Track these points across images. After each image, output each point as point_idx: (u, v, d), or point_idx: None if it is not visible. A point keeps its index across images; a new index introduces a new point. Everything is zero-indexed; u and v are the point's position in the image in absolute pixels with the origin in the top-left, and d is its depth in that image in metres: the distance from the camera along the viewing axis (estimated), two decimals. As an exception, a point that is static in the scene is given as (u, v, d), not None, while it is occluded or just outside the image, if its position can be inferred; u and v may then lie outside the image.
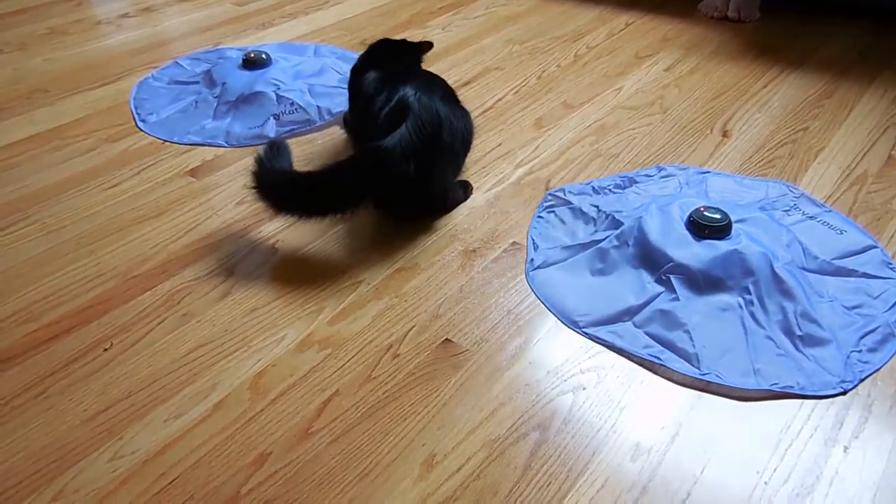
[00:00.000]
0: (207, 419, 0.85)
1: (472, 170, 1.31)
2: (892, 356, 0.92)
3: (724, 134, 1.42)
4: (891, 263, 1.06)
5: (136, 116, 1.51)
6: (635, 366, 0.92)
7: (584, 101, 1.55)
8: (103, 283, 1.06)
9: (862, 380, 0.89)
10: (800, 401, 0.87)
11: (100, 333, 0.98)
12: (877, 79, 1.61)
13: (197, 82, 1.61)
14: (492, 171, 1.31)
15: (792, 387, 0.87)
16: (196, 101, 1.54)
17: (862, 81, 1.60)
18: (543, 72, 1.68)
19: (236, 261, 1.10)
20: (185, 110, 1.52)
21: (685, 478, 0.78)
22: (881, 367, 0.91)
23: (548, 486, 0.77)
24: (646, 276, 1.02)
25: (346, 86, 1.56)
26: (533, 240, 1.13)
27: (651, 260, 1.03)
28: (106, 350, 0.95)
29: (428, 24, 1.95)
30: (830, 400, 0.87)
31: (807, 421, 0.84)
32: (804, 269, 1.04)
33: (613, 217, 1.12)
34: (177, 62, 1.73)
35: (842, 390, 0.87)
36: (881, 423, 0.84)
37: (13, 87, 1.65)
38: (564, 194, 1.21)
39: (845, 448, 0.81)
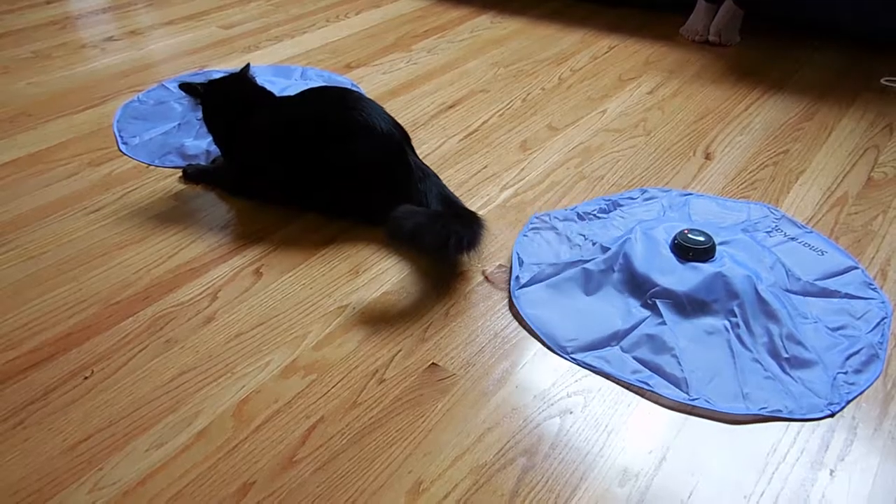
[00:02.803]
0: (190, 448, 0.84)
1: (457, 192, 1.31)
2: (878, 377, 0.92)
3: (707, 156, 1.43)
4: (872, 284, 1.07)
5: (118, 139, 1.50)
6: (622, 389, 0.92)
7: (569, 124, 1.56)
8: (84, 309, 1.05)
9: (849, 401, 0.89)
10: (785, 423, 0.87)
11: (80, 361, 0.96)
12: (855, 101, 1.64)
13: (182, 105, 1.60)
14: (477, 193, 1.31)
15: (780, 410, 0.87)
16: (180, 125, 1.53)
17: (841, 104, 1.63)
18: (528, 94, 1.69)
19: (220, 286, 1.09)
20: (168, 132, 1.51)
21: (673, 502, 0.78)
22: (866, 389, 0.91)
23: (535, 513, 0.77)
24: (632, 301, 1.02)
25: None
26: (518, 255, 1.12)
27: (636, 284, 1.03)
28: (86, 378, 0.93)
29: (413, 48, 1.97)
30: (816, 422, 0.87)
31: (793, 444, 0.84)
32: (788, 290, 1.04)
33: (601, 245, 1.12)
34: (162, 85, 1.73)
35: (829, 413, 0.88)
36: (866, 446, 0.84)
37: (-4, 110, 1.64)
38: (550, 219, 1.22)
39: (831, 471, 0.81)
